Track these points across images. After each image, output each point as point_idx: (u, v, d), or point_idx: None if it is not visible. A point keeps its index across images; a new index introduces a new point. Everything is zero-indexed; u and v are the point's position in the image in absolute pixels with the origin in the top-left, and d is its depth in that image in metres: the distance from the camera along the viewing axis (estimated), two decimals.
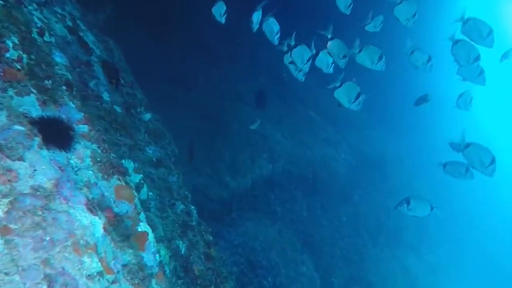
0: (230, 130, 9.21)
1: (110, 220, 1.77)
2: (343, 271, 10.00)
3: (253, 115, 9.89)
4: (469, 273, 13.70)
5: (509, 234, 14.83)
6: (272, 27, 4.91)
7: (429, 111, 6.11)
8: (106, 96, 3.30)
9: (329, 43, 4.56)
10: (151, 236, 2.04)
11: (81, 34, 3.77)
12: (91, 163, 2.06)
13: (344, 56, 4.63)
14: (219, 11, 5.27)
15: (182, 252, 3.30)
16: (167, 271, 2.79)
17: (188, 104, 9.21)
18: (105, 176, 2.07)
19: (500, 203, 15.25)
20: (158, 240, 2.94)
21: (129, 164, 3.09)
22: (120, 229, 1.81)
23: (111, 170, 2.13)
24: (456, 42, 4.28)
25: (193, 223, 3.55)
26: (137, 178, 3.08)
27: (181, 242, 3.32)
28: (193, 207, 3.72)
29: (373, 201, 11.31)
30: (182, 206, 3.59)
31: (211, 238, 3.63)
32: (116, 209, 1.91)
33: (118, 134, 3.11)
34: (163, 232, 3.15)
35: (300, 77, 4.92)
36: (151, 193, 3.45)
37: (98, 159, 2.11)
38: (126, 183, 2.16)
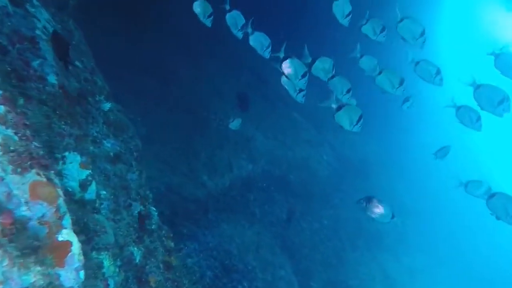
0: (209, 128, 8.74)
1: (7, 227, 1.30)
2: (322, 275, 9.64)
3: (233, 114, 9.47)
4: (447, 277, 13.54)
5: (486, 238, 14.78)
6: (262, 41, 4.54)
7: (407, 108, 5.89)
8: (52, 78, 2.80)
9: (331, 80, 4.25)
10: (76, 247, 1.57)
11: (32, 9, 3.26)
12: (0, 152, 1.58)
13: (348, 91, 4.34)
14: (203, 11, 4.84)
15: (137, 261, 2.82)
16: (111, 285, 2.32)
17: (166, 99, 8.71)
18: (19, 169, 1.59)
19: (479, 208, 15.16)
20: (105, 248, 2.45)
21: (74, 158, 2.60)
22: (23, 240, 1.35)
23: (29, 162, 1.65)
24: (478, 87, 4.03)
25: (153, 227, 3.08)
26: (83, 174, 2.59)
27: (136, 249, 2.85)
28: (154, 209, 3.25)
29: (354, 204, 10.97)
30: (140, 208, 3.11)
31: (172, 244, 3.16)
32: (23, 212, 1.44)
33: (63, 123, 2.62)
34: (114, 238, 2.67)
35: (300, 99, 4.58)
36: (104, 192, 2.96)
37: (11, 148, 1.63)
38: (49, 179, 1.68)
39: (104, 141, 3.38)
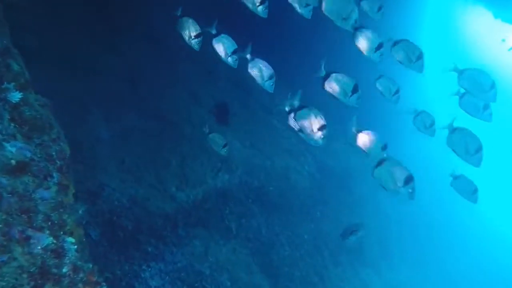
0: (181, 134, 7.71)
1: None
2: None
3: (211, 124, 8.49)
4: None
5: (471, 250, 14.20)
6: (262, 72, 3.67)
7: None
8: None
9: (359, 137, 3.70)
10: None
11: None
12: None
13: (384, 148, 3.68)
14: (189, 31, 3.88)
15: None
16: None
17: (135, 102, 7.66)
18: None
19: (463, 219, 14.60)
20: None
21: None
22: None
23: None
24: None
25: (64, 270, 2.03)
26: None
27: None
28: (72, 240, 2.20)
29: (336, 217, 10.08)
30: (48, 240, 2.07)
31: None
32: None
33: None
34: None
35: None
36: None
37: None
38: None
39: (6, 144, 2.33)
